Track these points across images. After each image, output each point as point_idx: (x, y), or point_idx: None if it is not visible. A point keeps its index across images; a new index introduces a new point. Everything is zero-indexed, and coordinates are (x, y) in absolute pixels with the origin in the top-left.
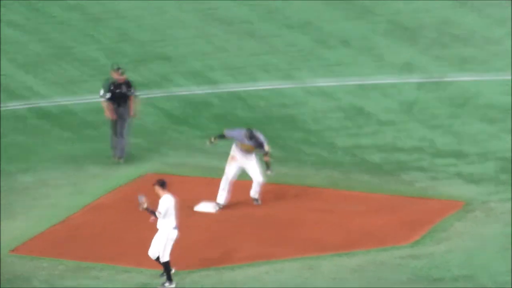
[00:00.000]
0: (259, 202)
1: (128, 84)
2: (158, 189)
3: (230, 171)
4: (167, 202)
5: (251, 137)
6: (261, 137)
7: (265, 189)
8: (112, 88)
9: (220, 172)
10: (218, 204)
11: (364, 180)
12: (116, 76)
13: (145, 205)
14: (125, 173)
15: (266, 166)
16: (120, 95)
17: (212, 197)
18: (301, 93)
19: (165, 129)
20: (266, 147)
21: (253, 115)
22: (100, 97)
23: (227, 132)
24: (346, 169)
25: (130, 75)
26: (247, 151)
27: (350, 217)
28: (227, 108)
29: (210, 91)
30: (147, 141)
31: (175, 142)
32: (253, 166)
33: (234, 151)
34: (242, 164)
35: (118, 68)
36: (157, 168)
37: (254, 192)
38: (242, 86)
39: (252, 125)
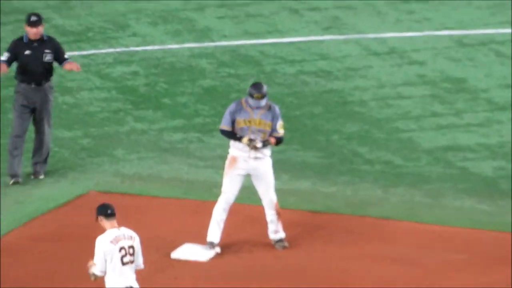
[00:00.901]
0: (285, 244)
1: (50, 44)
2: (102, 222)
3: (229, 185)
4: (103, 246)
5: (261, 93)
6: (276, 108)
7: (291, 219)
8: (18, 49)
9: (215, 189)
10: (210, 245)
11: (465, 207)
12: (29, 30)
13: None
14: (52, 192)
15: (263, 144)
16: (34, 62)
17: (201, 233)
18: (355, 50)
19: (122, 117)
20: (280, 129)
21: (273, 90)
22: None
23: (223, 123)
24: (435, 187)
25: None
26: (254, 143)
27: (442, 272)
28: (223, 73)
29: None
30: (90, 137)
31: (138, 138)
32: (266, 175)
33: (234, 147)
34: (248, 170)
35: (35, 18)
36: (108, 183)
37: (273, 230)
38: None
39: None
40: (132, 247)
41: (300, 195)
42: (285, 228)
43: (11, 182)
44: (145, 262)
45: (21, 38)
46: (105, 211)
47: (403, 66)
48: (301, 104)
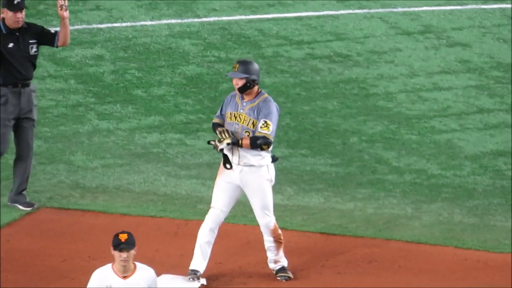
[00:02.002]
0: (289, 274)
1: (32, 31)
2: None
3: (218, 197)
4: (93, 281)
5: (239, 62)
6: (269, 103)
7: (297, 242)
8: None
9: (200, 205)
10: (194, 275)
11: None
12: (11, 17)
13: None
14: None
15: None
16: (19, 58)
17: (183, 261)
18: (379, 29)
19: (82, 113)
20: (263, 128)
21: (275, 79)
22: None
23: (217, 116)
24: (481, 203)
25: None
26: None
27: None
28: (212, 57)
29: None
30: (42, 139)
31: (103, 140)
32: (258, 191)
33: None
34: (237, 181)
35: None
36: (64, 198)
37: (272, 259)
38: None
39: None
40: None
41: (309, 213)
42: (290, 254)
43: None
44: None
45: None
46: (116, 240)
47: (441, 49)
48: (311, 97)
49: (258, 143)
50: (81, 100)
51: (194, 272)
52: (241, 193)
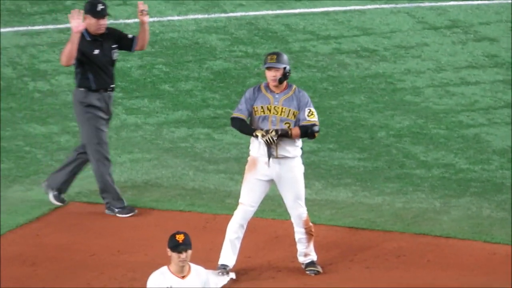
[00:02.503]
0: (318, 268)
1: (112, 36)
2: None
3: (248, 194)
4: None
5: (276, 53)
6: (303, 93)
7: (325, 237)
8: (83, 49)
9: (228, 199)
10: (223, 270)
11: None
12: (94, 24)
13: None
14: (21, 203)
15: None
16: (105, 64)
17: (212, 255)
18: (406, 23)
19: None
20: (310, 116)
21: (302, 74)
22: None
23: (236, 110)
24: (510, 197)
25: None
26: (275, 139)
27: None
28: (239, 52)
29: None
30: (70, 134)
31: (131, 135)
32: (293, 182)
33: (254, 146)
34: (270, 176)
35: (101, 6)
36: (92, 192)
37: (303, 252)
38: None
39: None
40: None
41: (337, 207)
42: (318, 249)
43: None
44: None
45: (82, 34)
46: (173, 242)
47: (468, 44)
48: (338, 92)
49: (309, 132)
50: None
51: (224, 266)
52: (270, 188)
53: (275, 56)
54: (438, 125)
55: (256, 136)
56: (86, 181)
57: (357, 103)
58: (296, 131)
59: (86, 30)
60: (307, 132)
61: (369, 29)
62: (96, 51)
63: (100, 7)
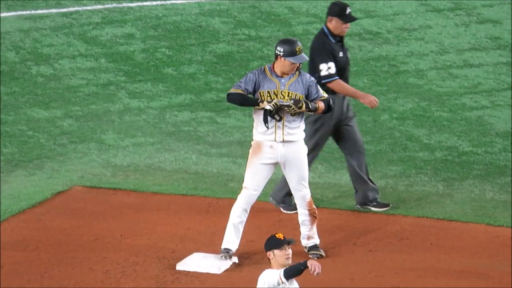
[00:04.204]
0: (321, 252)
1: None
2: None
3: (252, 178)
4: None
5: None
6: (307, 74)
7: (328, 220)
8: (333, 53)
9: (231, 183)
10: (226, 254)
11: None
12: (340, 26)
13: None
14: (25, 188)
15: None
16: (346, 67)
17: (214, 239)
18: (409, 6)
19: (113, 92)
20: (324, 93)
21: None
22: (325, 78)
23: (234, 86)
24: None
25: None
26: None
27: None
28: (242, 35)
29: None
30: (73, 118)
31: (134, 118)
32: (298, 163)
33: (258, 130)
34: (275, 158)
35: (349, 9)
36: (95, 176)
37: (306, 235)
38: None
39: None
40: None
41: (340, 190)
42: (321, 232)
43: None
44: (144, 276)
45: (326, 36)
46: (275, 240)
47: (471, 26)
48: None
49: (330, 105)
50: (111, 79)
51: (227, 250)
52: (274, 172)
53: (302, 48)
54: (441, 108)
55: (263, 104)
56: (88, 165)
57: (360, 86)
58: (321, 105)
59: (330, 32)
60: (329, 105)
61: (372, 12)
62: (340, 54)
63: (348, 10)
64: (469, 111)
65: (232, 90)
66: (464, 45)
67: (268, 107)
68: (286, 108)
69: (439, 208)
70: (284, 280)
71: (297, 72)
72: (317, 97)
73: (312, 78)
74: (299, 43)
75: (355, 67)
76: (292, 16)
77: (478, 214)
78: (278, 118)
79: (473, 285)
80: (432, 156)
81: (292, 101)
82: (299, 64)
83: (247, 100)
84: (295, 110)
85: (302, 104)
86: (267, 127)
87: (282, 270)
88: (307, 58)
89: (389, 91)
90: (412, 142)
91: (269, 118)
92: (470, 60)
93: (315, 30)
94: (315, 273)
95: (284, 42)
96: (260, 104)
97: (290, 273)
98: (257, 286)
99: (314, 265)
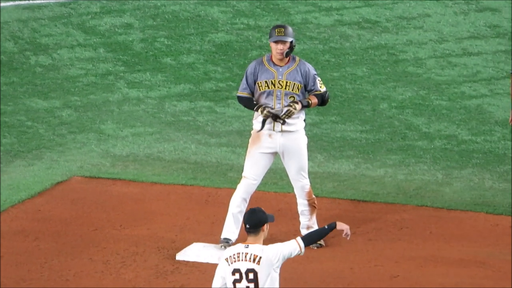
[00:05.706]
0: (321, 242)
1: None
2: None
3: (251, 167)
4: (220, 262)
5: (283, 26)
6: (307, 64)
7: (328, 209)
8: None
9: (230, 173)
10: (225, 244)
11: None
12: None
13: None
14: (24, 178)
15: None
16: None
17: (214, 229)
18: None
19: (112, 82)
20: (321, 86)
21: (304, 46)
22: None
23: (240, 88)
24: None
25: None
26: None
27: None
28: (240, 25)
29: None
30: (72, 108)
31: (133, 108)
32: (297, 153)
33: (257, 119)
34: (274, 148)
35: None
36: (94, 167)
37: (305, 225)
38: None
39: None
40: (252, 271)
41: (340, 180)
42: (321, 222)
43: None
44: (144, 266)
45: None
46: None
47: (470, 14)
48: (340, 63)
49: (325, 99)
50: (110, 69)
51: (227, 240)
52: (273, 162)
53: (282, 29)
54: (440, 96)
55: (263, 111)
56: (88, 155)
57: (359, 75)
58: (314, 100)
59: None
60: (323, 99)
61: (371, 1)
62: None
63: None
64: (468, 100)
65: (239, 93)
66: (463, 34)
67: (260, 118)
68: (282, 115)
69: (438, 197)
70: (303, 249)
71: (298, 61)
72: (313, 90)
73: (314, 71)
74: (285, 26)
75: (354, 56)
76: (291, 5)
77: (478, 202)
78: (282, 122)
79: (472, 273)
80: (431, 145)
81: (286, 110)
82: (287, 48)
83: (249, 106)
84: (292, 113)
85: (295, 107)
86: (261, 129)
87: (299, 238)
88: (284, 39)
89: (388, 80)
90: (411, 131)
91: (267, 121)
92: (469, 49)
93: (313, 19)
94: (348, 237)
95: (273, 27)
96: (255, 113)
97: (313, 239)
98: (274, 262)
99: (345, 228)
